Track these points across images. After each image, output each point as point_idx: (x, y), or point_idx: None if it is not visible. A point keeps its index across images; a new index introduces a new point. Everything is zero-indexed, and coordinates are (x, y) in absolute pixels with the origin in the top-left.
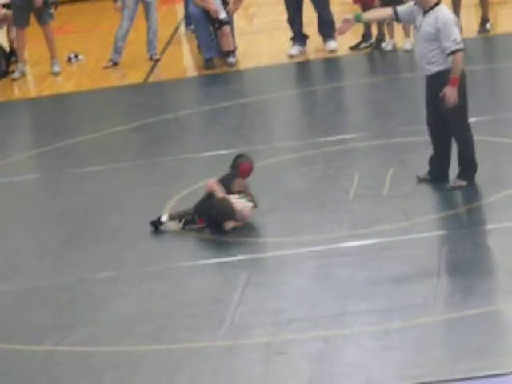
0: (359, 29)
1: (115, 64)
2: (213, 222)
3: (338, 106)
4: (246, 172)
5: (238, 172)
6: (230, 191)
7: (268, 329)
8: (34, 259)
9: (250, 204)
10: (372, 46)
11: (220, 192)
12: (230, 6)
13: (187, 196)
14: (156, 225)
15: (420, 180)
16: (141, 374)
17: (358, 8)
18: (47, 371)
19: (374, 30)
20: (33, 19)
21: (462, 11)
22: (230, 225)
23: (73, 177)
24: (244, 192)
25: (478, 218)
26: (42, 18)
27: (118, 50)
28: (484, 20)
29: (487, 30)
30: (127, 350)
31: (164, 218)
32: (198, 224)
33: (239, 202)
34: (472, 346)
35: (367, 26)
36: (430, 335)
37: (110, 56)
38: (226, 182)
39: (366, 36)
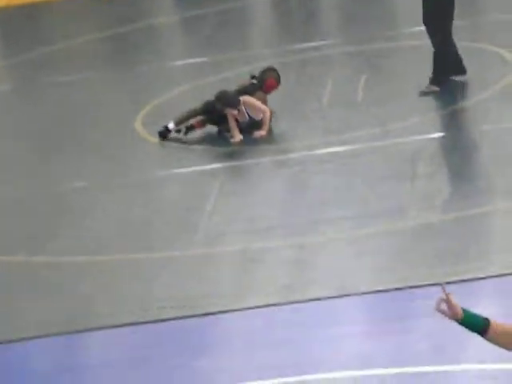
0: None
1: None
2: (218, 120)
3: (312, 12)
4: (272, 88)
5: (264, 86)
6: None
7: (243, 237)
8: (5, 171)
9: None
10: None
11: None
12: None
13: (160, 104)
14: (164, 134)
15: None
16: (118, 283)
17: None
18: (23, 281)
19: None
20: None
21: None
22: (260, 133)
23: (46, 86)
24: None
25: (455, 121)
26: None
27: None
28: None
29: None
30: (104, 259)
31: (171, 125)
32: (196, 127)
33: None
34: (448, 251)
35: None
36: (404, 241)
37: None
38: (247, 92)
39: None
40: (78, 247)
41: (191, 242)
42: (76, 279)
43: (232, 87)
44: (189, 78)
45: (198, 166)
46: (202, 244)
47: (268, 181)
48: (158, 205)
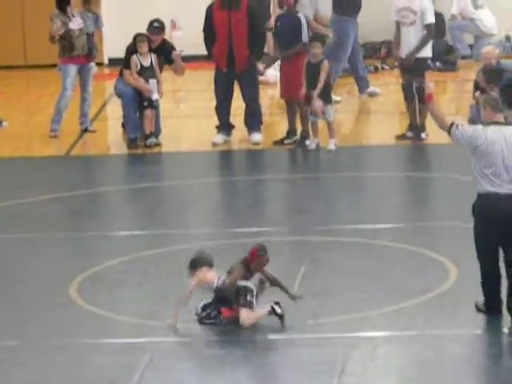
0: (284, 124)
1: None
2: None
3: (256, 198)
4: (253, 256)
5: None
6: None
7: None
8: None
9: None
10: (296, 142)
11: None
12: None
13: (98, 272)
14: None
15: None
16: None
17: (284, 102)
18: None
19: (299, 127)
20: None
21: (397, 118)
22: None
23: None
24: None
25: (384, 323)
26: None
27: (60, 121)
28: (420, 128)
29: (422, 139)
30: None
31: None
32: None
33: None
34: None
35: (292, 122)
36: None
37: (53, 127)
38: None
39: (291, 132)
40: None
41: None
42: None
43: (165, 263)
44: (128, 250)
45: (126, 338)
46: None
47: (195, 361)
48: (81, 372)
